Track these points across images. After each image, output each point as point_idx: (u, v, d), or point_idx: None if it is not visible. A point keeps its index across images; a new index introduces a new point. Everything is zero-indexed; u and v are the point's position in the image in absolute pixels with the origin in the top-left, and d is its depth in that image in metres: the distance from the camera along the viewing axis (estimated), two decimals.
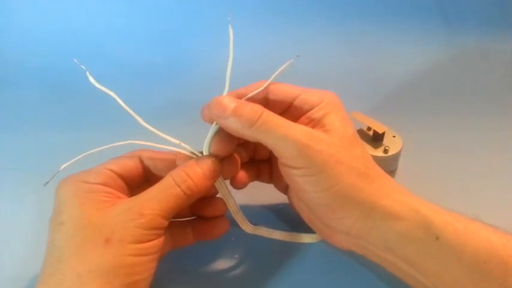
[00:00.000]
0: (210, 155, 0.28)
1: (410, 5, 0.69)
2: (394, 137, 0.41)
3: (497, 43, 0.66)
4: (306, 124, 0.28)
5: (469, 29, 0.68)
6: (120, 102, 0.28)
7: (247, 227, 0.33)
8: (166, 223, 0.25)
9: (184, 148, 0.28)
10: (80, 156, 0.27)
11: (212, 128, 0.28)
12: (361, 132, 0.42)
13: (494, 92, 0.57)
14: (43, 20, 0.67)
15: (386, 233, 0.25)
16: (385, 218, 0.25)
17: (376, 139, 0.41)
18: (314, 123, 0.27)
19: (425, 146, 0.46)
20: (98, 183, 0.26)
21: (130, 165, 0.28)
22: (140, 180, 0.29)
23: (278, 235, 0.34)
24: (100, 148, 0.27)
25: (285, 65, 0.28)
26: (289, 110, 0.29)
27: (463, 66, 0.63)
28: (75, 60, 0.29)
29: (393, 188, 0.27)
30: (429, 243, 0.24)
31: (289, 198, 0.33)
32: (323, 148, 0.25)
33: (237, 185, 0.31)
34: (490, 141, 0.47)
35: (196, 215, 0.32)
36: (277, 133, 0.25)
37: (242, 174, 0.31)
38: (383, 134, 0.40)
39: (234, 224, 0.33)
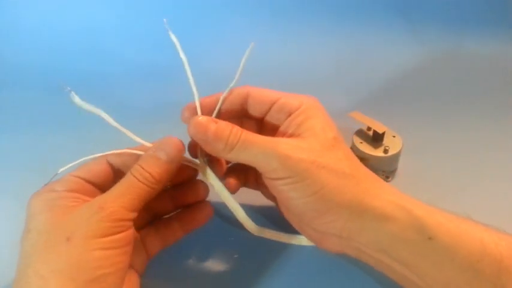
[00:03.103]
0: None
1: (410, 5, 0.69)
2: (394, 137, 0.41)
3: (497, 44, 0.66)
4: (285, 132, 0.28)
5: (468, 29, 0.68)
6: (110, 120, 0.28)
7: (252, 227, 0.32)
8: (132, 215, 0.25)
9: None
10: (77, 161, 0.27)
11: None
12: (361, 132, 0.42)
13: (495, 92, 0.57)
14: (43, 20, 0.67)
15: (378, 234, 0.25)
16: (377, 218, 0.25)
17: (376, 139, 0.41)
18: (293, 131, 0.28)
19: (425, 146, 0.46)
20: (64, 190, 0.26)
21: (97, 169, 0.28)
22: (112, 182, 0.29)
23: (284, 238, 0.34)
24: (97, 155, 0.28)
25: (247, 52, 0.28)
26: (269, 115, 0.30)
27: (464, 66, 0.63)
28: (61, 82, 0.29)
29: (383, 189, 0.27)
30: (422, 244, 0.24)
31: (278, 207, 0.32)
32: (303, 156, 0.25)
33: (229, 190, 0.32)
34: (490, 141, 0.47)
35: (180, 206, 0.32)
36: (256, 151, 0.25)
37: (233, 179, 0.32)
38: (383, 134, 0.40)
39: (233, 224, 0.33)
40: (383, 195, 0.26)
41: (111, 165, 0.29)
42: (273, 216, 0.37)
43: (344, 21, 0.69)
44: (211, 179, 0.30)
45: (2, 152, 0.47)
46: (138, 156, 0.28)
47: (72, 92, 0.28)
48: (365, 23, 0.68)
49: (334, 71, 0.62)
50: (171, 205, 0.32)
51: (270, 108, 0.29)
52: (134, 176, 0.26)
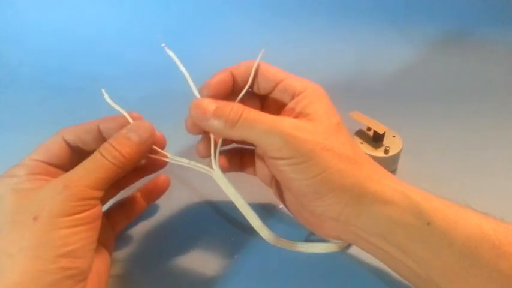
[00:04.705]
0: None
1: (410, 5, 0.69)
2: (394, 137, 0.41)
3: (498, 43, 0.66)
4: (290, 114, 0.28)
5: (469, 28, 0.68)
6: (131, 120, 0.29)
7: (268, 236, 0.31)
8: (98, 193, 0.25)
9: (194, 165, 0.29)
10: None
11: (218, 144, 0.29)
12: (361, 133, 0.42)
13: (495, 92, 0.57)
14: (43, 20, 0.67)
15: (376, 218, 0.25)
16: (376, 203, 0.25)
17: (376, 139, 0.41)
18: (298, 113, 0.27)
19: (425, 146, 0.46)
20: (26, 174, 0.26)
21: (54, 149, 0.28)
22: (72, 160, 0.29)
23: (301, 247, 0.33)
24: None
25: (260, 55, 0.29)
26: (272, 94, 0.29)
27: (463, 66, 0.63)
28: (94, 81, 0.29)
29: (383, 174, 0.27)
30: (420, 229, 0.24)
31: (274, 191, 0.32)
32: (308, 137, 0.25)
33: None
34: (490, 141, 0.47)
35: (140, 177, 0.34)
36: (260, 128, 0.25)
37: (223, 161, 0.31)
38: (383, 134, 0.40)
39: (234, 224, 0.33)
40: (383, 180, 0.26)
41: (68, 143, 0.29)
42: (276, 216, 0.37)
43: (344, 22, 0.69)
44: (225, 186, 0.30)
45: (2, 152, 0.47)
46: (93, 130, 0.29)
47: (103, 89, 0.29)
48: (366, 23, 0.68)
49: (334, 71, 0.62)
50: (134, 177, 0.33)
51: (275, 87, 0.29)
52: (102, 155, 0.25)
